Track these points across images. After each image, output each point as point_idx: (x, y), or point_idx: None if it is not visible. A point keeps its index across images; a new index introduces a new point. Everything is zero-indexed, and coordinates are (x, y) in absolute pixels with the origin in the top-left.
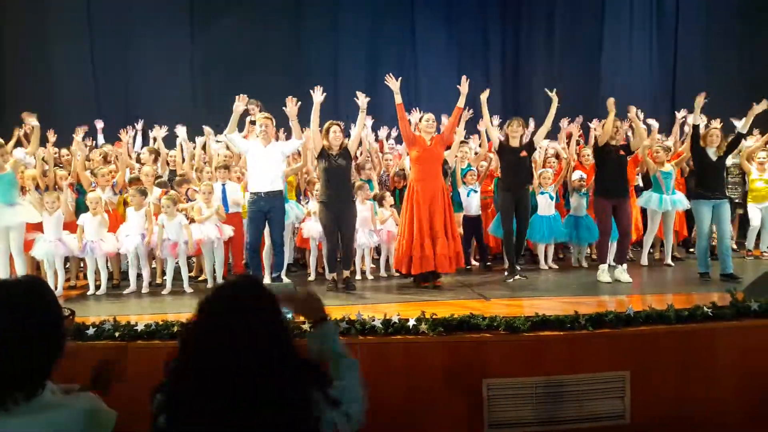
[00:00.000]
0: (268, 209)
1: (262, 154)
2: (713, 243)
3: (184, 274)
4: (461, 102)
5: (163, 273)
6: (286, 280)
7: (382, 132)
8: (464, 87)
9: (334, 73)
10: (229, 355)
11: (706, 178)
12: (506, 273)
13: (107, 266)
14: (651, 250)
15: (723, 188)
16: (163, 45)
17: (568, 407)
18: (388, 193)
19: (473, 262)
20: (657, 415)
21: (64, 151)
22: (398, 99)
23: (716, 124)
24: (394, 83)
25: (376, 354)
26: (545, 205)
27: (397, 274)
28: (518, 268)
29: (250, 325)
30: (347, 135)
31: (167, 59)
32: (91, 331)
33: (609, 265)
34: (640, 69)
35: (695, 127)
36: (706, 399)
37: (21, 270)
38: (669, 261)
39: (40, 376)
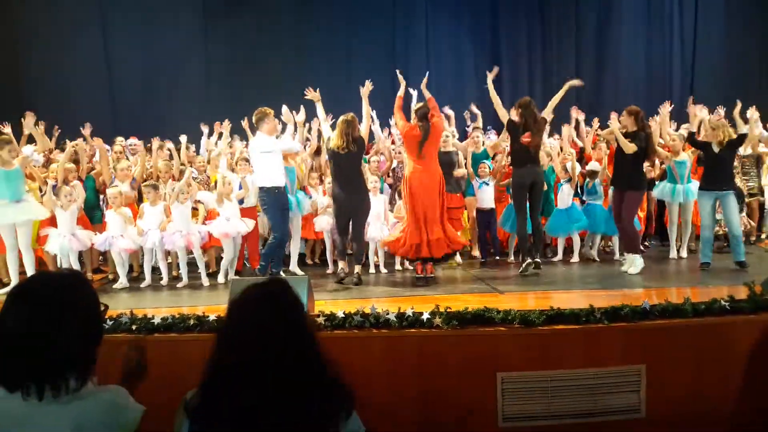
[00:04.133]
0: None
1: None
2: (719, 233)
3: (201, 267)
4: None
5: (178, 267)
6: (299, 272)
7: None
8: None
9: (347, 68)
10: (259, 352)
11: (708, 170)
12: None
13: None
14: (664, 243)
15: (726, 180)
16: (176, 42)
17: (582, 401)
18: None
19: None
20: (673, 409)
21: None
22: (401, 92)
23: (714, 116)
24: (402, 80)
25: (391, 347)
26: (560, 198)
27: (411, 268)
28: (529, 259)
29: (279, 323)
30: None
31: (181, 56)
32: (108, 323)
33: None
34: (659, 60)
35: (690, 134)
36: (722, 393)
37: (29, 266)
38: (683, 253)
39: (89, 362)
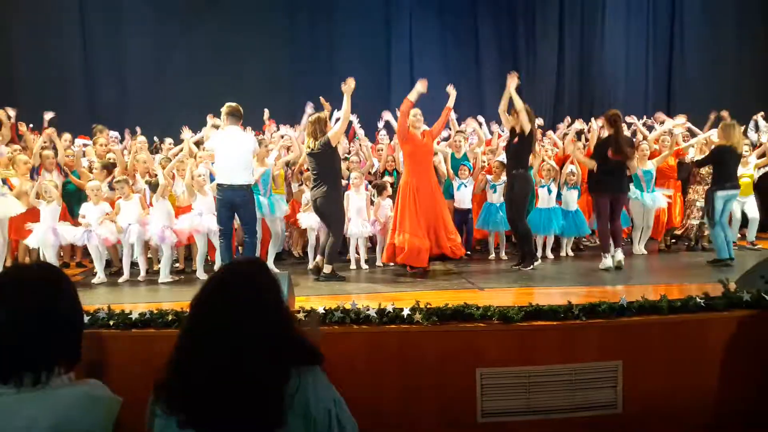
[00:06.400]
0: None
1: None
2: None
3: (169, 263)
4: (451, 103)
5: (158, 262)
6: (275, 270)
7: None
8: (452, 91)
9: (330, 66)
10: (230, 332)
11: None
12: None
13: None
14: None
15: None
16: (155, 36)
17: (560, 396)
18: (388, 184)
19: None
20: (649, 404)
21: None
22: (414, 98)
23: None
24: (424, 86)
25: (371, 343)
26: (544, 199)
27: (392, 264)
28: (534, 257)
29: (255, 303)
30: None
31: (159, 51)
32: (85, 319)
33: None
34: (639, 62)
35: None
36: (697, 389)
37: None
38: (643, 249)
39: (61, 356)
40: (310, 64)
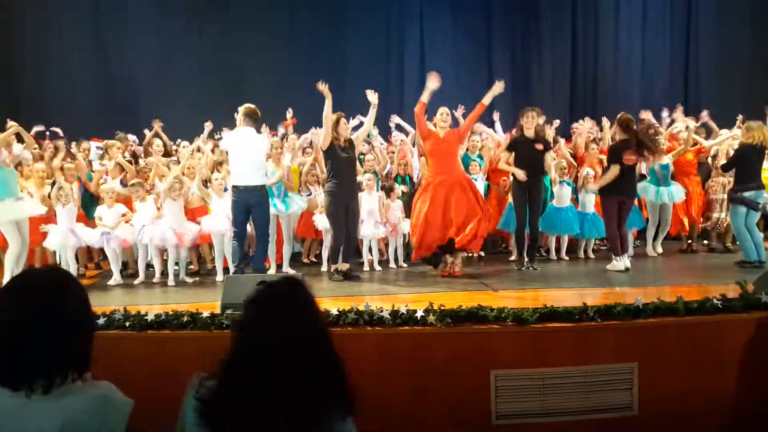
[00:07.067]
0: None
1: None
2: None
3: (182, 265)
4: (487, 100)
5: (175, 264)
6: (291, 271)
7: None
8: (498, 87)
9: (342, 66)
10: (274, 353)
11: None
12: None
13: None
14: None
15: (735, 182)
16: (168, 40)
17: (576, 398)
18: (396, 185)
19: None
20: (665, 407)
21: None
22: (426, 98)
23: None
24: (435, 81)
25: (384, 345)
26: (562, 195)
27: (405, 266)
28: (527, 260)
29: (294, 324)
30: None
31: (172, 55)
32: (101, 320)
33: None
34: (654, 60)
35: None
36: (714, 391)
37: (24, 262)
38: (659, 249)
39: (71, 362)
40: (311, 64)
